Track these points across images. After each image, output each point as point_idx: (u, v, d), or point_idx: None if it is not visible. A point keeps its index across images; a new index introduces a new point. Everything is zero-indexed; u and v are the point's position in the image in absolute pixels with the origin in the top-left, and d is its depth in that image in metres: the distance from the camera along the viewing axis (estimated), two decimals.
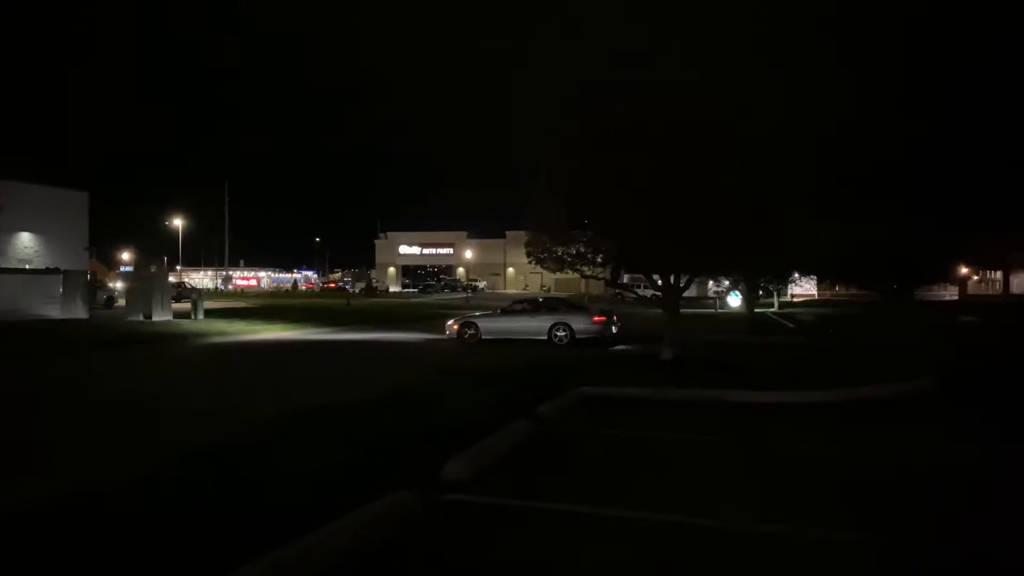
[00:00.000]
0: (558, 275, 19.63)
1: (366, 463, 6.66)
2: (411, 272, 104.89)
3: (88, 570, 4.33)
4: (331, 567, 4.45)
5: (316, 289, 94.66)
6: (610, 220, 14.38)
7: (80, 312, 29.94)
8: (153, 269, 31.89)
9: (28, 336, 20.63)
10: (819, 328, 27.93)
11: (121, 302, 36.25)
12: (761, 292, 37.36)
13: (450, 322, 23.06)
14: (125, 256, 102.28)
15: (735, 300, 43.74)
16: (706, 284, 56.77)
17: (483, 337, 21.76)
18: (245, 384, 13.05)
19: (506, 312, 22.63)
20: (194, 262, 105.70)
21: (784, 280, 39.03)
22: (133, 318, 28.35)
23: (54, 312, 29.08)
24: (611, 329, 21.53)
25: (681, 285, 16.68)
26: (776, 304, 46.37)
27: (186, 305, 34.96)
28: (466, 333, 22.07)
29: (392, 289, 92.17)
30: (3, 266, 40.03)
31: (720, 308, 44.20)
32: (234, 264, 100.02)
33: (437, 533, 5.22)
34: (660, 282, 16.61)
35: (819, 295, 65.61)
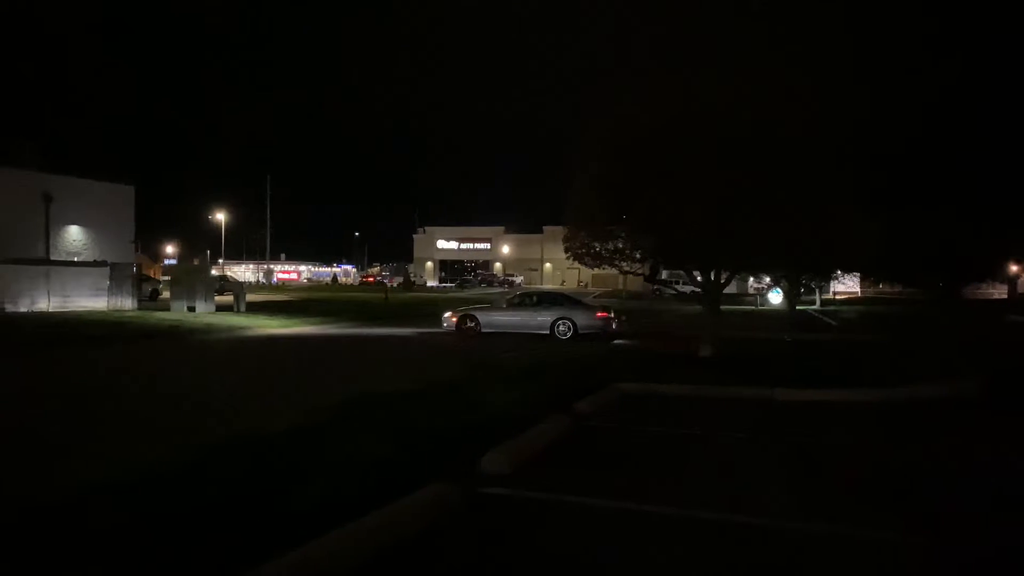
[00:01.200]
0: (596, 270, 19.58)
1: (402, 455, 6.65)
2: (449, 267, 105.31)
3: (132, 556, 4.36)
4: (367, 558, 4.45)
5: (355, 283, 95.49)
6: (649, 216, 14.24)
7: (127, 303, 30.59)
8: (196, 262, 32.52)
9: (81, 327, 21.14)
10: (862, 326, 27.40)
11: (166, 294, 36.94)
12: (802, 289, 36.76)
13: (447, 314, 23.03)
14: (169, 249, 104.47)
15: (776, 297, 43.18)
16: (746, 281, 56.04)
17: (483, 330, 21.84)
18: (283, 376, 13.19)
19: (508, 305, 22.72)
20: (236, 255, 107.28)
21: (826, 277, 38.40)
22: (177, 310, 28.88)
23: (101, 303, 29.76)
24: (612, 325, 21.76)
25: (721, 281, 16.48)
26: (818, 301, 45.67)
27: (228, 298, 35.54)
28: (465, 325, 22.14)
29: (430, 283, 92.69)
30: (53, 258, 41.12)
31: (761, 305, 43.64)
32: (275, 258, 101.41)
33: (475, 526, 5.19)
34: (700, 278, 16.42)
35: (862, 292, 64.38)
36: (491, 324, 21.96)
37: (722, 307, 17.23)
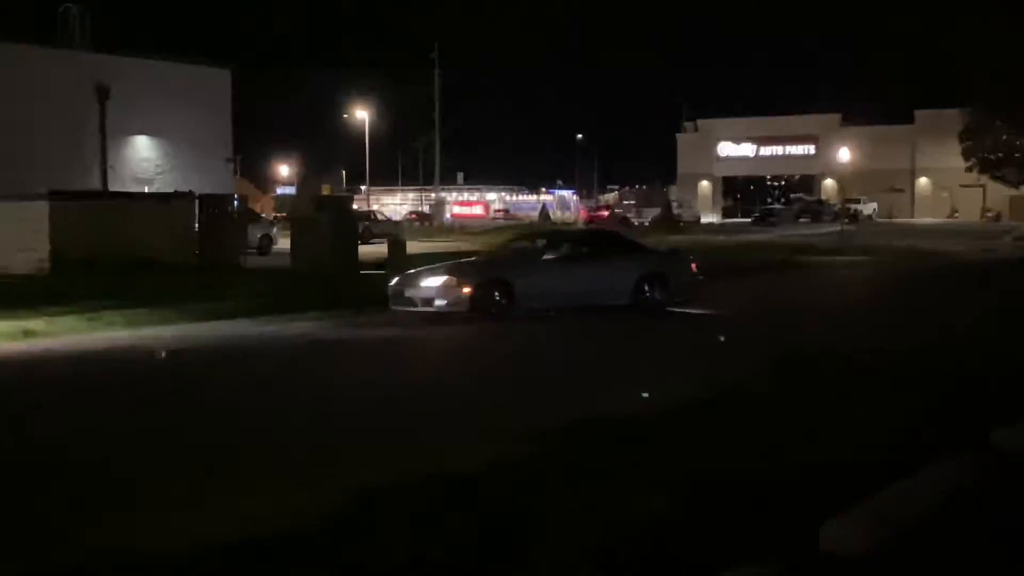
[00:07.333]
0: (1016, 191, 18.40)
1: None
2: (739, 188, 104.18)
3: None
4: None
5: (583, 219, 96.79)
6: None
7: (227, 257, 32.67)
8: (326, 190, 34.39)
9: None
10: None
11: (283, 242, 39.37)
12: None
13: (440, 280, 20.11)
14: (284, 171, 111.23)
15: None
16: None
17: (523, 304, 20.13)
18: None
19: (552, 257, 21.40)
20: (387, 179, 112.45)
21: None
22: (303, 269, 30.57)
23: (187, 256, 32.10)
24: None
25: None
26: None
27: (378, 247, 37.39)
28: (490, 301, 19.91)
29: (706, 219, 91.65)
30: (114, 189, 44.97)
31: None
32: (449, 180, 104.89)
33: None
34: None
35: None
36: (534, 294, 20.38)
37: None
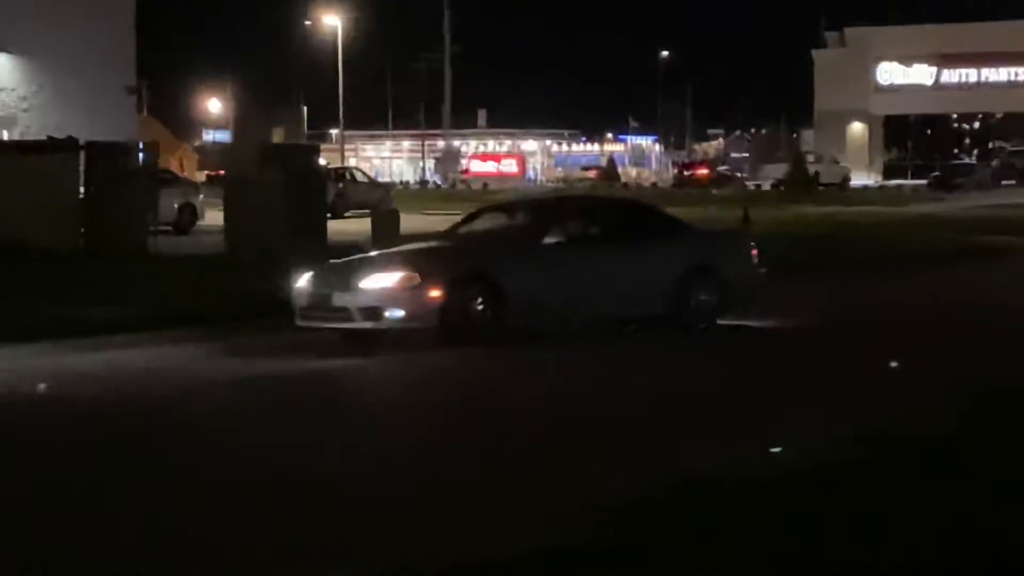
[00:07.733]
0: None
1: None
2: (908, 133, 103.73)
3: None
4: None
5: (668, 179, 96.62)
6: None
7: (128, 237, 31.98)
8: (278, 137, 33.36)
9: None
10: None
11: (213, 215, 38.67)
12: None
13: (393, 277, 19.15)
14: (213, 107, 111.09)
15: None
16: None
17: (517, 316, 19.30)
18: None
19: (555, 241, 20.24)
20: (372, 120, 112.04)
21: None
22: (241, 255, 29.64)
23: (67, 237, 31.33)
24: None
25: None
26: None
27: (359, 223, 36.25)
28: (472, 312, 19.07)
29: (857, 182, 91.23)
30: None
31: None
32: (466, 122, 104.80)
33: None
34: None
35: None
36: (533, 299, 19.70)
37: None
